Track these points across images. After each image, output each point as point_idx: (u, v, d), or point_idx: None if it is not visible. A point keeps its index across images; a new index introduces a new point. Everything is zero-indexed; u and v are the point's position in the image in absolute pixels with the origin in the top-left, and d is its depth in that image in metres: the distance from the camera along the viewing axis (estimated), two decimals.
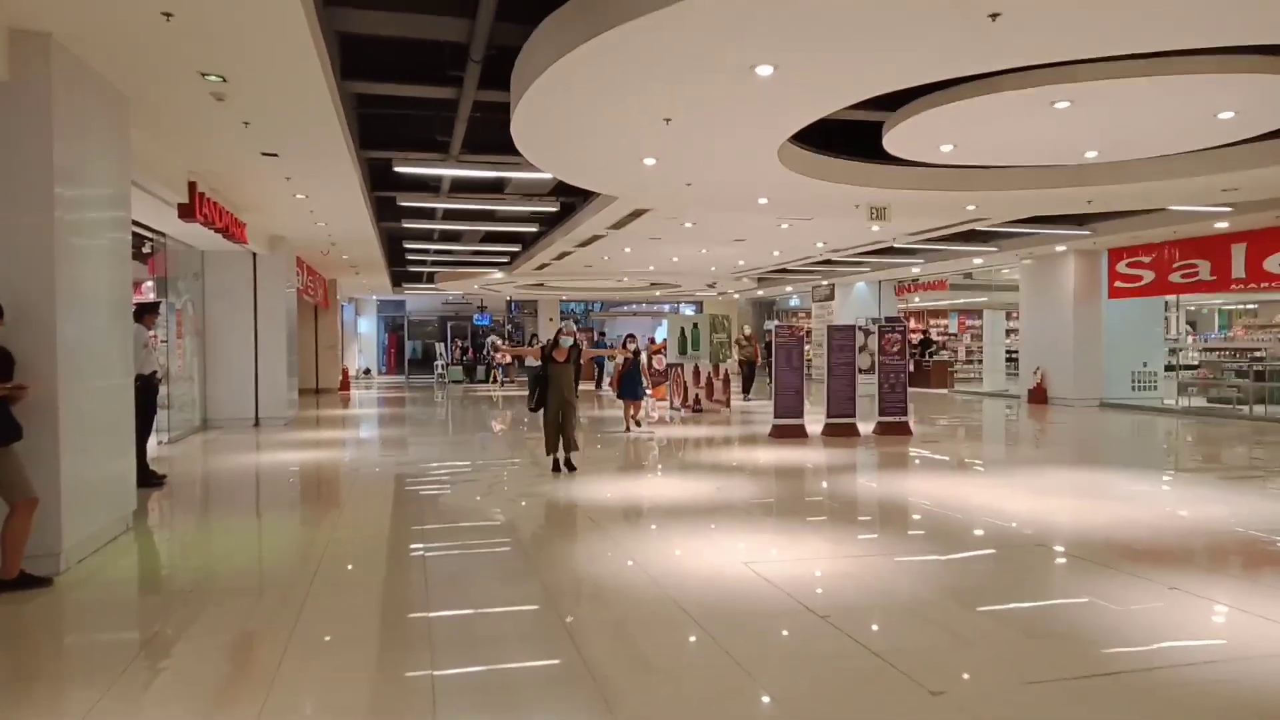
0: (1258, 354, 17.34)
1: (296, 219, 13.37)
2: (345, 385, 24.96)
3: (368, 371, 33.85)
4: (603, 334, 33.39)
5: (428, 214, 14.71)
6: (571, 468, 9.29)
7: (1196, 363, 19.71)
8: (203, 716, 3.42)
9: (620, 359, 14.47)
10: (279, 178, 10.20)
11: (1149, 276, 17.42)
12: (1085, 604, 4.78)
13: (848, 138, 9.64)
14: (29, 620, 4.71)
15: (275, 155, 9.06)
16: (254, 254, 14.74)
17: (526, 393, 9.72)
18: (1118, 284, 18.12)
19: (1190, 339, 22.46)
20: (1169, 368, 19.28)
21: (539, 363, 9.56)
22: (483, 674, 3.89)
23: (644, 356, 14.96)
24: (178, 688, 3.79)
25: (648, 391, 14.54)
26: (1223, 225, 14.66)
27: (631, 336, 14.90)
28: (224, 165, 9.59)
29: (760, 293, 31.24)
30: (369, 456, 12.07)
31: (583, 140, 8.16)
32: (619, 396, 14.25)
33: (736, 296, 33.78)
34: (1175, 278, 16.82)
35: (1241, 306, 24.90)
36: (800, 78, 6.34)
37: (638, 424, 14.04)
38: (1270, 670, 3.77)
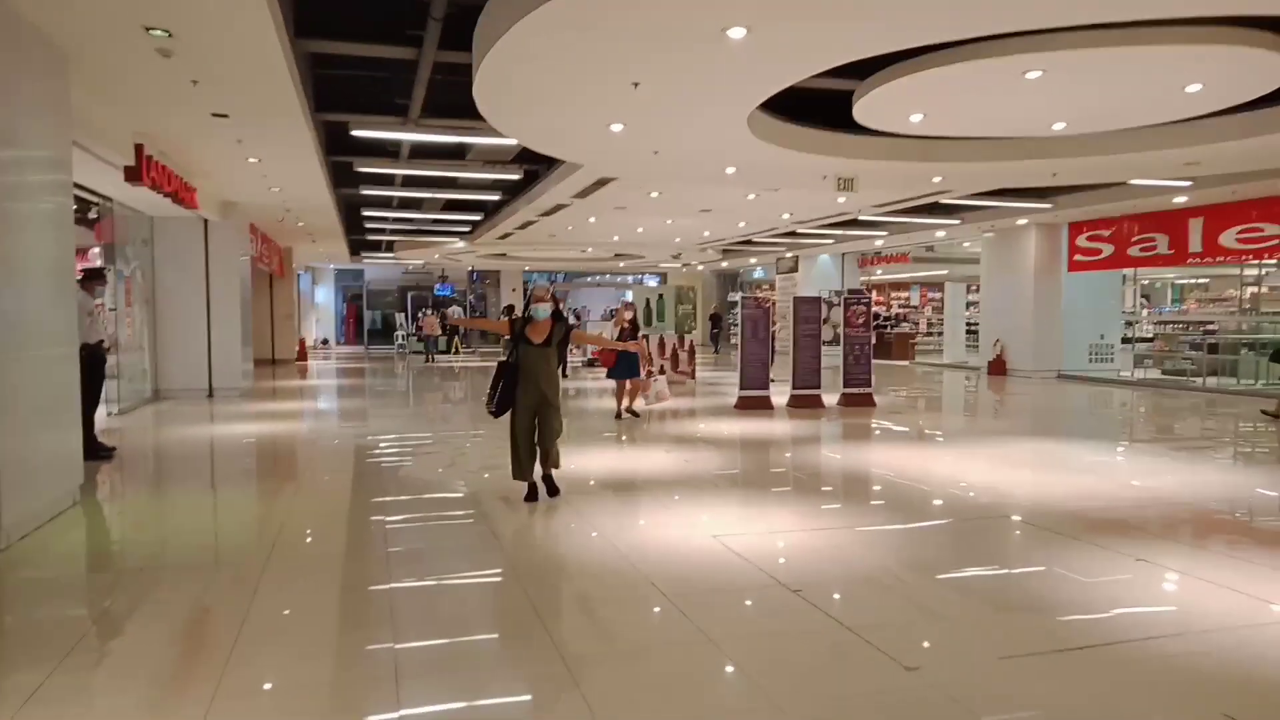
0: (1210, 327, 17.71)
1: (250, 184, 12.95)
2: (302, 355, 24.49)
3: (325, 342, 33.27)
4: (573, 310, 33.07)
5: (387, 181, 14.33)
6: (553, 490, 6.65)
7: (1151, 335, 20.10)
8: (153, 698, 3.26)
9: (614, 330, 12.13)
10: (230, 140, 9.83)
11: (1108, 250, 17.63)
12: (1051, 575, 4.79)
13: (818, 108, 9.51)
14: None
15: (226, 116, 8.70)
16: (205, 220, 14.26)
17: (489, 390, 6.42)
18: (1077, 257, 18.32)
19: (1145, 312, 22.89)
20: (1125, 340, 19.61)
21: (506, 345, 6.65)
22: (445, 648, 3.80)
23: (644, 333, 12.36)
24: (125, 667, 3.63)
25: (646, 372, 12.09)
26: (1181, 200, 14.84)
27: (629, 305, 12.37)
28: (173, 127, 9.20)
29: (725, 264, 31.16)
30: (327, 428, 11.81)
31: (547, 105, 7.94)
32: (610, 375, 11.84)
33: (701, 268, 33.67)
34: (1134, 251, 17.04)
35: (1193, 281, 25.44)
36: (773, 41, 6.18)
37: (633, 413, 11.71)
38: (1235, 642, 3.79)
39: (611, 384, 12.13)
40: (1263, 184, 13.01)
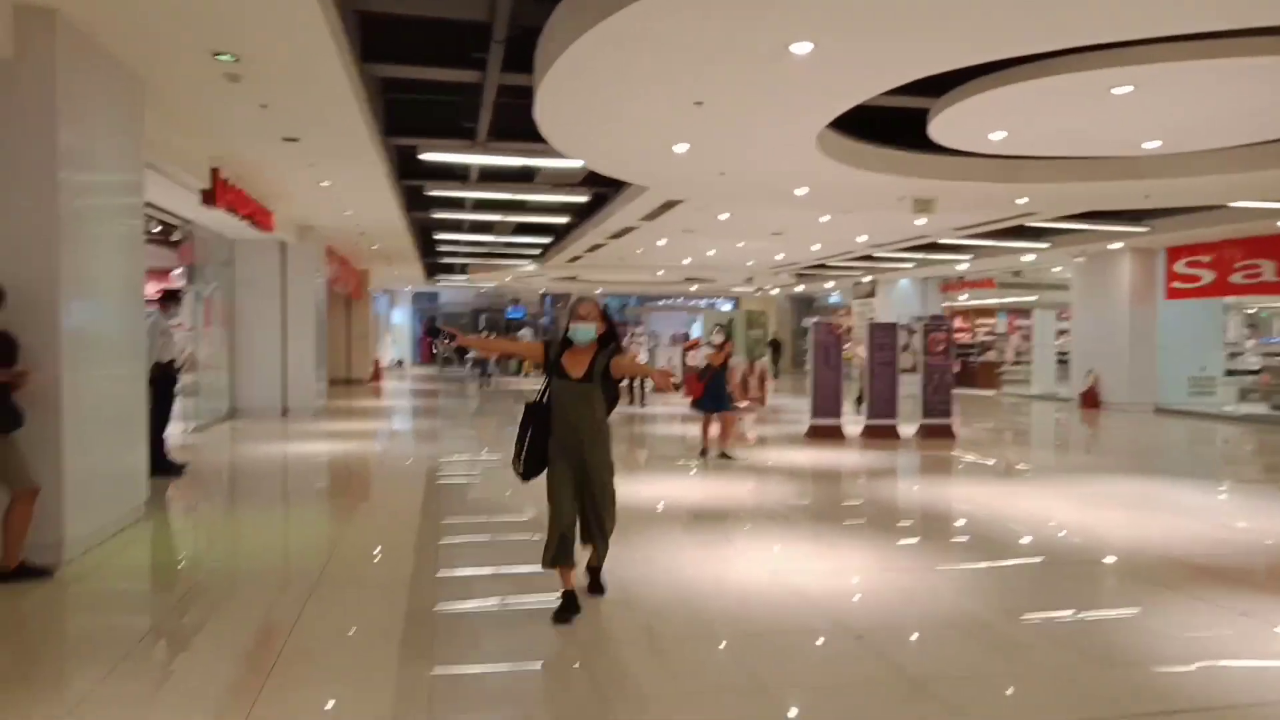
0: None
1: (324, 208, 13.20)
2: (376, 376, 24.92)
3: (400, 363, 33.87)
4: (625, 324, 32.92)
5: (457, 204, 14.47)
6: (598, 586, 4.87)
7: (1258, 368, 18.83)
8: (187, 707, 3.24)
9: (704, 358, 10.45)
10: (302, 164, 9.99)
11: (1208, 276, 16.61)
12: (1143, 627, 4.32)
13: (893, 126, 9.16)
14: (28, 611, 4.60)
15: (296, 140, 8.83)
16: (283, 243, 14.62)
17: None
18: (1175, 284, 17.32)
19: (1251, 343, 21.51)
20: (1228, 372, 18.42)
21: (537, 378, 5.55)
22: (484, 677, 3.75)
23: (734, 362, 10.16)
24: (174, 678, 3.71)
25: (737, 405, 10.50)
26: None
27: (720, 328, 10.94)
28: (246, 151, 9.39)
29: (799, 288, 30.65)
30: (396, 448, 11.86)
31: (609, 126, 7.80)
32: (696, 406, 10.33)
33: (775, 292, 33.20)
34: (1237, 278, 16.01)
35: None
36: (840, 58, 5.91)
37: (725, 456, 10.04)
38: None
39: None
40: None
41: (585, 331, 4.47)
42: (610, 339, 4.57)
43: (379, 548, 6.06)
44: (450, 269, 25.88)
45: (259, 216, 11.57)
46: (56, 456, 5.29)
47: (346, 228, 15.47)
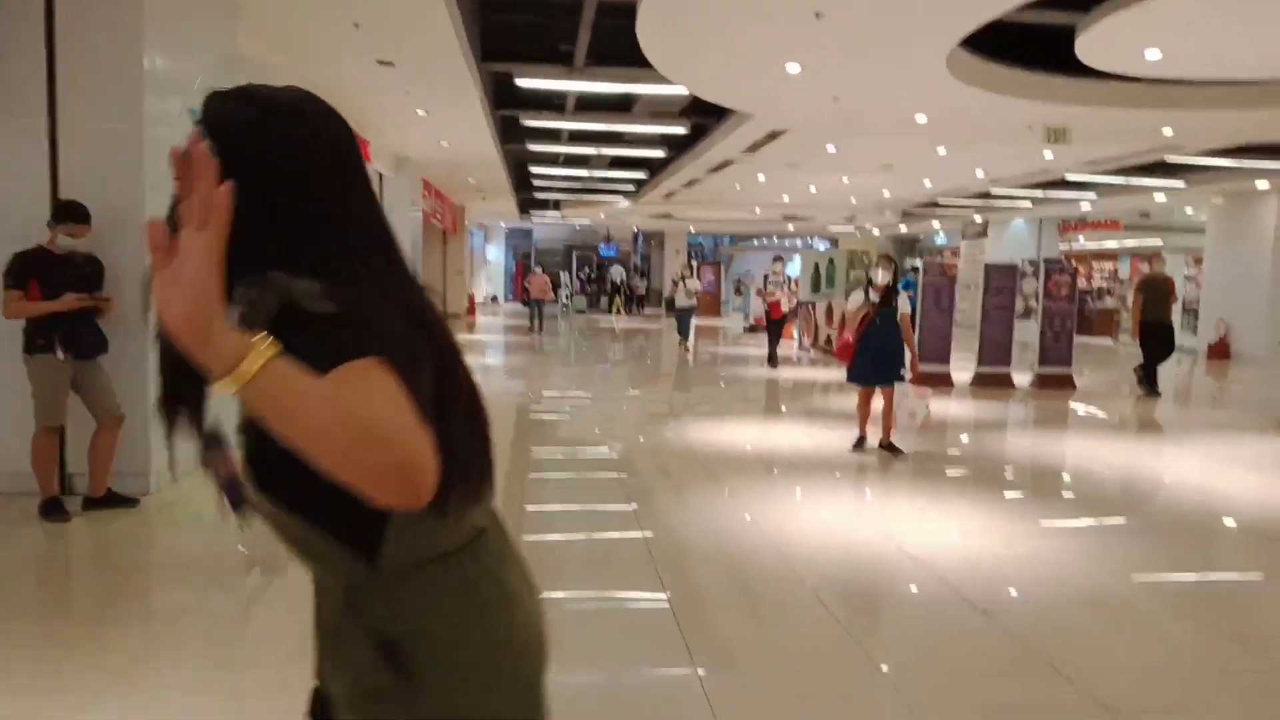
0: None
1: (420, 138, 12.99)
2: (471, 311, 25.08)
3: (495, 299, 34.10)
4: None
5: (553, 136, 14.07)
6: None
7: None
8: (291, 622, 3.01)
9: (856, 303, 6.78)
10: (398, 92, 9.73)
11: None
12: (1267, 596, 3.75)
13: (1031, 47, 8.27)
14: (113, 538, 4.57)
15: (391, 64, 8.54)
16: (379, 175, 14.54)
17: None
18: None
19: None
20: None
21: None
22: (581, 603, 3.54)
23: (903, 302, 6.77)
24: (264, 598, 3.70)
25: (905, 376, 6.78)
26: None
27: (889, 259, 7.03)
28: (341, 75, 9.16)
29: (904, 229, 29.34)
30: (491, 382, 11.77)
31: (718, 43, 7.23)
32: (852, 378, 6.98)
33: (876, 232, 31.92)
34: None
35: None
36: None
37: (891, 449, 6.82)
38: None
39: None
40: None
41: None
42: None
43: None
44: (544, 204, 25.65)
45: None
46: (143, 384, 5.18)
47: (443, 160, 15.28)
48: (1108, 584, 4.12)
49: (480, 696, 1.07)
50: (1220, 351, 16.87)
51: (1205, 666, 3.29)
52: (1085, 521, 5.34)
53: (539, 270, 21.07)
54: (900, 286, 6.92)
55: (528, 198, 23.47)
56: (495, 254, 34.93)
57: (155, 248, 0.79)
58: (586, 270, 33.32)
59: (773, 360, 13.48)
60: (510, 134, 14.02)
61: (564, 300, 30.59)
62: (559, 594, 3.82)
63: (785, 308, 13.97)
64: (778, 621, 3.68)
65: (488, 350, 16.11)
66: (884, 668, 3.20)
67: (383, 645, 1.04)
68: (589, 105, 11.97)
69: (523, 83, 9.91)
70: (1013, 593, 3.97)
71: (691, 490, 5.81)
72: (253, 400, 0.79)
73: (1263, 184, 15.51)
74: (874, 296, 6.65)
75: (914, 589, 4.05)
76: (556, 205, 25.44)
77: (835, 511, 5.40)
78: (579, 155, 16.55)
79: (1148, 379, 10.98)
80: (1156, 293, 10.93)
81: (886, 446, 6.80)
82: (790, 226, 30.47)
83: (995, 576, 4.16)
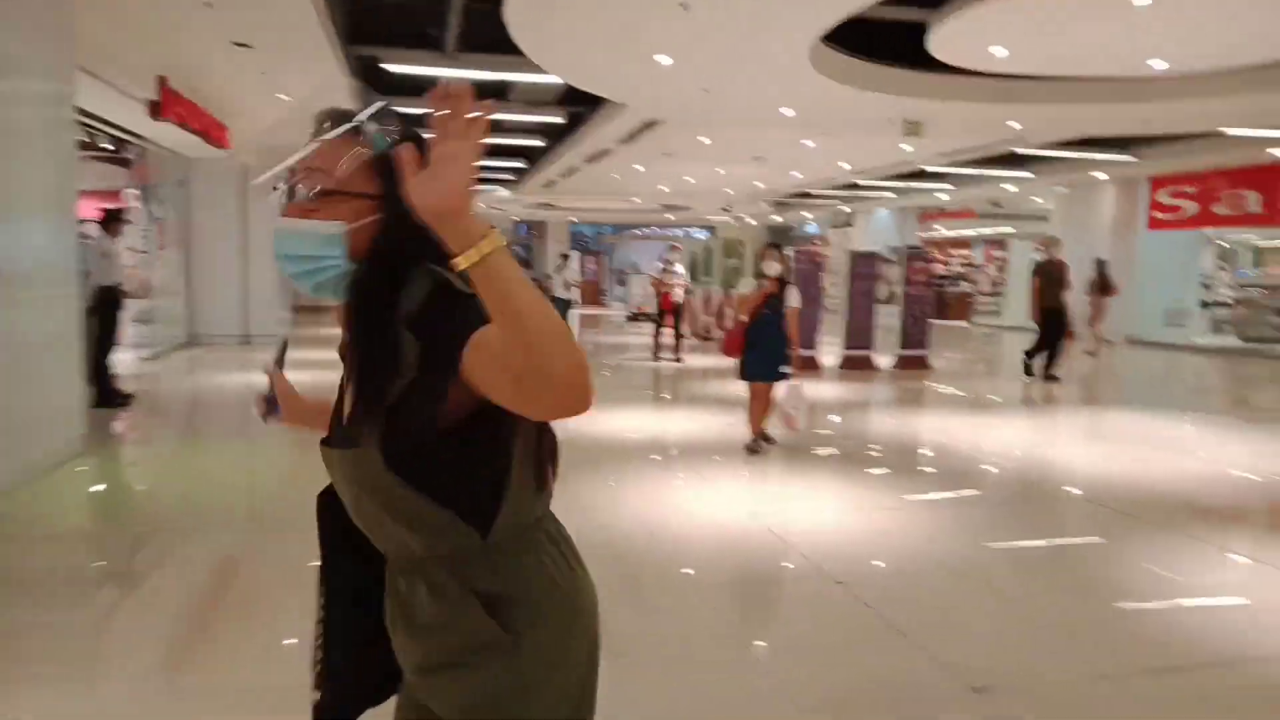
0: None
1: (285, 125, 12.45)
2: None
3: None
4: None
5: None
6: None
7: (1231, 300, 18.83)
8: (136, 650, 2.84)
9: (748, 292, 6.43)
10: (254, 73, 9.28)
11: (1191, 208, 16.39)
12: (1144, 573, 4.12)
13: (889, 42, 8.65)
14: None
15: (248, 46, 8.16)
16: (245, 164, 13.90)
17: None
18: (1156, 215, 17.10)
19: (1223, 275, 21.50)
20: (1203, 304, 18.38)
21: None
22: None
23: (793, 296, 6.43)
24: (114, 621, 3.32)
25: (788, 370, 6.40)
26: (1278, 152, 13.60)
27: (777, 248, 6.58)
28: (195, 58, 8.69)
29: (778, 218, 30.15)
30: None
31: (587, 33, 7.25)
32: (746, 375, 6.48)
33: (752, 222, 32.69)
34: (1220, 209, 15.80)
35: (1275, 244, 23.82)
36: None
37: (765, 439, 6.66)
38: None
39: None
40: None
41: (292, 243, 1.27)
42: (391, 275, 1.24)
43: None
44: None
45: (213, 131, 10.90)
46: None
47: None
48: (960, 551, 4.40)
49: (562, 647, 1.26)
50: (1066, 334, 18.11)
51: (1049, 624, 3.57)
52: (942, 494, 5.67)
53: None
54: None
55: None
56: None
57: (408, 161, 0.98)
58: None
59: (658, 351, 13.47)
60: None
61: None
62: None
63: (676, 298, 13.41)
64: (652, 607, 3.76)
65: None
66: (756, 644, 3.33)
67: (490, 605, 1.20)
68: None
69: (390, 67, 9.64)
70: (873, 564, 4.18)
71: (573, 479, 5.83)
72: (482, 274, 0.97)
73: (1101, 175, 16.75)
74: (754, 288, 6.36)
75: (783, 566, 4.21)
76: None
77: (709, 496, 5.54)
78: None
79: (1031, 363, 10.93)
80: (1051, 278, 10.91)
81: (763, 437, 6.64)
82: (670, 216, 30.83)
83: (855, 550, 4.38)
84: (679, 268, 13.37)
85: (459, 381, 1.08)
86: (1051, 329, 10.86)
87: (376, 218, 1.20)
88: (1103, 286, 15.07)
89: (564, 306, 14.94)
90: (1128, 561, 4.28)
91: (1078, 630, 3.47)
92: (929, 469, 6.56)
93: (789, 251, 13.35)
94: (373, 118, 1.22)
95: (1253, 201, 15.24)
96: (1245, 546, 4.55)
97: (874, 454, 6.97)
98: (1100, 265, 15.34)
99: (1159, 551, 4.41)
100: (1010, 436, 7.62)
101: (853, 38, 8.37)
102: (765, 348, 6.29)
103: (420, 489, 1.17)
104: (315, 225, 1.21)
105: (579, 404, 0.99)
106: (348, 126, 1.21)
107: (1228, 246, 23.64)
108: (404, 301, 1.14)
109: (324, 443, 1.30)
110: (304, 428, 1.54)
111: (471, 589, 1.20)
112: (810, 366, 11.83)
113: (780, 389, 6.45)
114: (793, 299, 6.39)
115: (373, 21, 9.24)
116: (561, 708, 1.26)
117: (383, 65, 9.70)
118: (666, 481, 5.84)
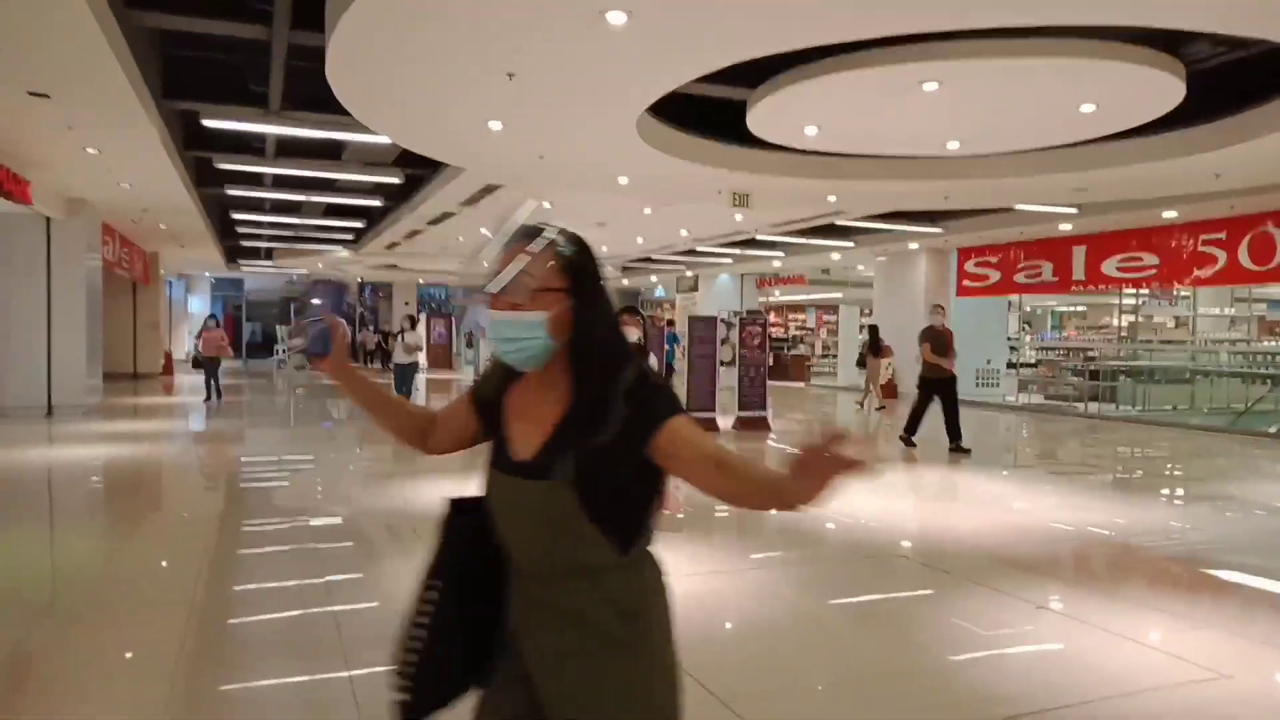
0: (1090, 354, 18.18)
1: (95, 179, 11.68)
2: (168, 370, 22.73)
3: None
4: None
5: (255, 180, 13.26)
6: None
7: (1035, 361, 20.57)
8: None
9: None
10: (59, 126, 8.70)
11: (995, 276, 17.90)
12: (949, 627, 4.34)
13: (716, 118, 9.09)
14: None
15: (46, 97, 7.64)
16: (48, 219, 12.90)
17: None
18: (966, 283, 18.56)
19: (1028, 338, 23.51)
20: (1010, 365, 19.96)
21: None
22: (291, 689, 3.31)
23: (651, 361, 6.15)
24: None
25: None
26: (1066, 227, 15.13)
27: (634, 311, 6.15)
28: None
29: (625, 282, 30.74)
30: (180, 452, 10.68)
31: (415, 94, 7.22)
32: None
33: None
34: (1020, 278, 17.34)
35: (1071, 308, 26.33)
36: (657, 30, 5.66)
37: None
38: (1158, 709, 3.38)
39: None
40: (1143, 214, 13.32)
41: (506, 329, 1.56)
42: (606, 357, 1.59)
43: (163, 562, 5.30)
44: (255, 253, 24.00)
45: (10, 185, 10.07)
46: None
47: (126, 203, 13.83)
48: (799, 609, 4.49)
49: (669, 645, 1.60)
50: (889, 391, 19.22)
51: (879, 676, 3.67)
52: (781, 553, 5.80)
53: (213, 323, 16.61)
54: (666, 341, 5.80)
55: (234, 245, 21.85)
56: (200, 306, 32.01)
57: (804, 463, 1.39)
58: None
59: None
60: (207, 177, 13.04)
61: (281, 356, 28.70)
62: (261, 681, 3.51)
63: None
64: None
65: (190, 415, 14.61)
66: None
67: (623, 611, 1.53)
68: (293, 150, 11.45)
69: (210, 123, 9.26)
70: (707, 629, 4.19)
71: (418, 553, 5.61)
72: (789, 507, 1.46)
73: (914, 245, 18.07)
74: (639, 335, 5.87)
75: None
76: (269, 254, 23.90)
77: None
78: (288, 201, 15.73)
79: (910, 430, 10.65)
80: (938, 344, 10.55)
81: None
82: None
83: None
84: None
85: (648, 448, 1.50)
86: (941, 396, 10.33)
87: (567, 305, 1.54)
88: (875, 349, 16.25)
89: (408, 372, 14.03)
90: (950, 614, 4.49)
91: (910, 682, 3.59)
92: (770, 528, 6.71)
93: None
94: (560, 233, 1.57)
95: (1047, 271, 16.81)
96: (1060, 595, 4.87)
97: (720, 516, 7.08)
98: (872, 330, 16.52)
99: (980, 604, 4.65)
100: (847, 493, 7.92)
101: (682, 112, 8.75)
102: None
103: (595, 516, 1.50)
104: (525, 315, 1.52)
105: (739, 505, 1.53)
106: (546, 241, 1.55)
107: (1031, 310, 25.97)
108: (620, 379, 1.52)
109: (498, 469, 1.61)
110: (337, 380, 1.70)
111: (607, 597, 1.53)
112: (710, 428, 11.95)
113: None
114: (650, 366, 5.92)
115: (191, 75, 8.88)
116: (670, 698, 1.58)
117: (204, 121, 9.28)
118: None
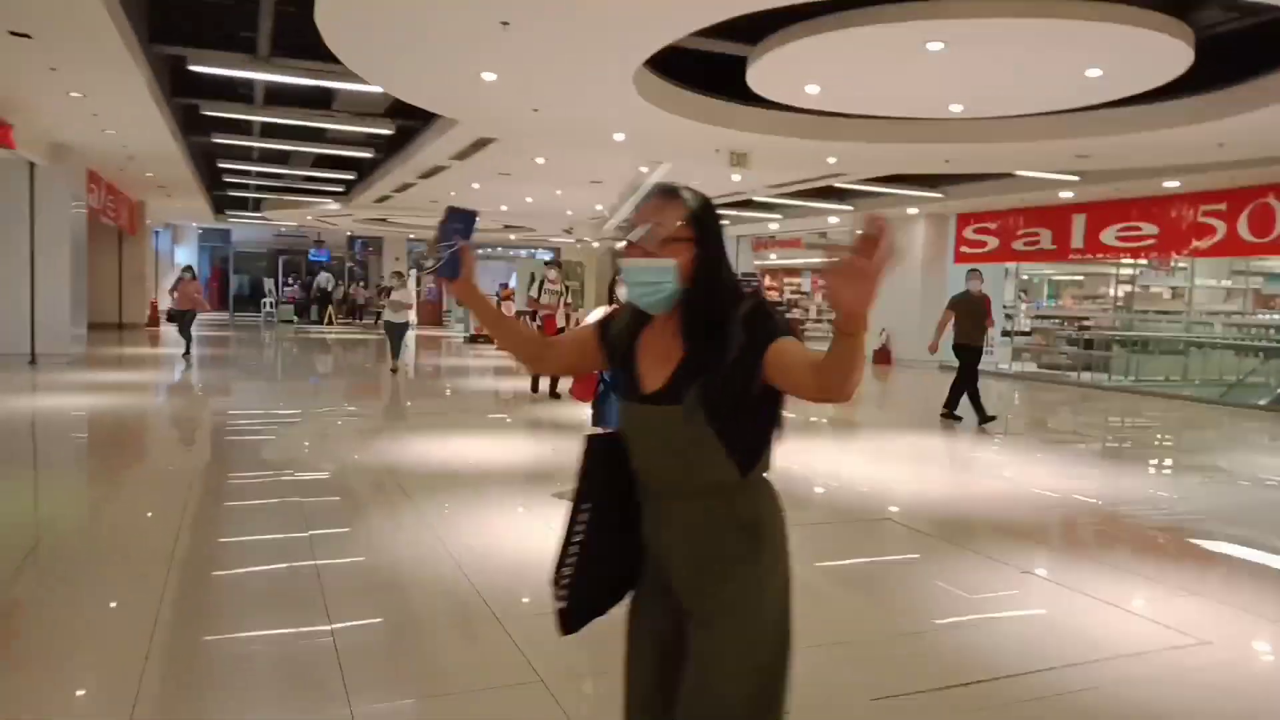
0: (1086, 323, 18.16)
1: (79, 124, 11.42)
2: (154, 321, 22.55)
3: None
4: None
5: (244, 128, 13.00)
6: None
7: (1029, 330, 20.54)
8: None
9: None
10: (41, 68, 8.46)
11: (993, 243, 17.79)
12: (934, 590, 4.32)
13: (715, 74, 8.88)
14: None
15: (28, 37, 7.41)
16: (31, 164, 12.65)
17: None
18: (963, 249, 18.45)
19: (1024, 306, 23.47)
20: (1005, 333, 19.93)
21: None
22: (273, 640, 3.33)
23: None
24: None
25: None
26: (1067, 195, 14.99)
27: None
28: None
29: (619, 243, 30.48)
30: (162, 403, 10.60)
31: (407, 42, 7.02)
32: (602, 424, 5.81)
33: (595, 245, 32.91)
34: (1018, 245, 17.23)
35: (1068, 277, 26.24)
36: None
37: None
38: (1138, 673, 3.37)
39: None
40: (1143, 183, 13.19)
41: (641, 274, 1.77)
42: (726, 297, 1.76)
43: (149, 513, 5.26)
44: (243, 204, 23.66)
45: None
46: None
47: (111, 150, 13.56)
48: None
49: (786, 559, 1.82)
50: (883, 358, 19.22)
51: (863, 641, 3.66)
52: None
53: (188, 274, 15.82)
54: None
55: (221, 196, 21.53)
56: (186, 257, 31.64)
57: (836, 270, 1.41)
58: (294, 277, 31.11)
59: (536, 387, 11.40)
60: (193, 125, 12.78)
61: (269, 309, 28.50)
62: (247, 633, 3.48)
63: (561, 322, 11.25)
64: (487, 638, 3.60)
65: (175, 366, 14.48)
66: (584, 686, 3.22)
67: (744, 525, 1.76)
68: (282, 99, 11.20)
69: (197, 68, 9.02)
70: None
71: (390, 511, 5.56)
72: (851, 343, 1.46)
73: (913, 210, 17.92)
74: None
75: None
76: (257, 205, 23.58)
77: (541, 530, 5.41)
78: (277, 151, 15.45)
79: (952, 403, 10.23)
80: (973, 311, 10.05)
81: None
82: (512, 236, 30.54)
83: None
84: (561, 286, 11.66)
85: (763, 366, 1.65)
86: (965, 363, 10.03)
87: (693, 254, 1.73)
88: None
89: (398, 331, 13.59)
90: (935, 578, 4.48)
91: (894, 646, 3.58)
92: None
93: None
94: (687, 191, 1.78)
95: (1045, 239, 16.70)
96: (1046, 561, 4.85)
97: None
98: None
99: (966, 568, 4.64)
100: (839, 459, 7.89)
101: (680, 67, 8.55)
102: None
103: (721, 436, 1.70)
104: (657, 262, 1.73)
105: (841, 399, 1.55)
106: (676, 198, 1.77)
107: (1028, 279, 25.90)
108: (739, 309, 1.70)
109: (630, 399, 1.82)
110: (463, 301, 1.91)
111: (729, 513, 1.75)
112: None
113: None
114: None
115: (179, 20, 8.63)
116: (784, 603, 1.80)
117: (190, 67, 9.05)
118: (492, 515, 5.67)
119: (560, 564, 1.86)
